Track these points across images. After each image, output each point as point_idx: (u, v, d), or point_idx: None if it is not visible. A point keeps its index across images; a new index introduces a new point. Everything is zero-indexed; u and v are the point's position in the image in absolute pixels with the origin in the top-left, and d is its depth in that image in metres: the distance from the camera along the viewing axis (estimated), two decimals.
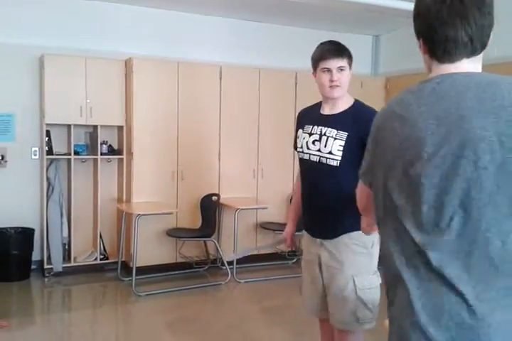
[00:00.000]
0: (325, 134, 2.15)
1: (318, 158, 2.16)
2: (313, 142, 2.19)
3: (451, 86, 1.11)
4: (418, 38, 1.24)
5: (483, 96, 1.05)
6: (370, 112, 2.06)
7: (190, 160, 4.78)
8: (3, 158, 4.55)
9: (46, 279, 4.42)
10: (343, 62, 2.19)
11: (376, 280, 2.14)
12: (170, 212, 4.44)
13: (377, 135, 1.24)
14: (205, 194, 4.78)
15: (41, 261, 4.55)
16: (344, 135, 2.11)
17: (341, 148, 2.10)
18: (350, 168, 1.97)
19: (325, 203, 2.17)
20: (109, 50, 4.77)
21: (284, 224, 4.99)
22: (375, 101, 6.23)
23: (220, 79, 4.85)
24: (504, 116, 1.01)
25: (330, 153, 2.12)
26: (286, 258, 5.11)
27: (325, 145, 2.14)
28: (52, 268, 4.44)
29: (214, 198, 4.70)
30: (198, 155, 4.81)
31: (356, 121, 2.12)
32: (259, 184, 5.07)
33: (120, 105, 4.68)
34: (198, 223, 4.78)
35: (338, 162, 2.11)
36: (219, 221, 4.79)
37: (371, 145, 1.27)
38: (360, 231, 1.94)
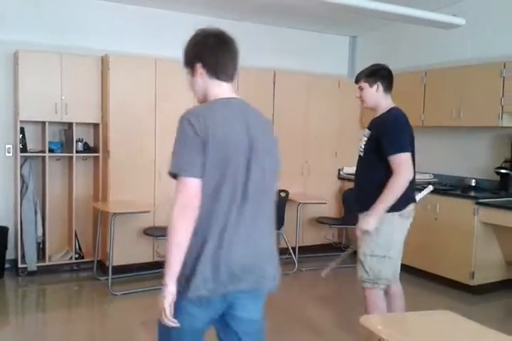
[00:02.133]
0: (364, 134, 2.87)
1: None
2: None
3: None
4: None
5: None
6: (384, 117, 2.79)
7: (168, 158, 4.74)
8: None
9: (20, 278, 4.36)
10: (360, 84, 2.94)
11: (379, 250, 2.73)
12: (147, 210, 4.41)
13: None
14: None
15: (15, 260, 4.48)
16: (369, 133, 2.81)
17: (365, 143, 2.82)
18: (370, 158, 2.78)
19: (355, 187, 2.99)
20: (85, 47, 4.72)
21: None
22: (352, 102, 6.31)
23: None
24: None
25: (360, 147, 2.86)
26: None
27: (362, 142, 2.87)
28: (26, 268, 4.38)
29: None
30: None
31: (376, 124, 2.82)
32: None
33: (96, 102, 4.62)
34: None
35: (363, 154, 2.85)
36: None
37: None
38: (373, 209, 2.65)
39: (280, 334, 3.31)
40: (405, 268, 4.71)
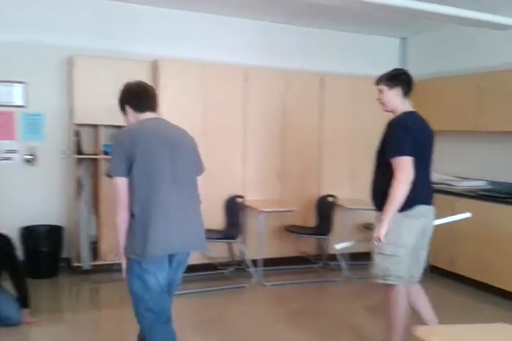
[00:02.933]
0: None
1: None
2: None
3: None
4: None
5: None
6: (393, 121, 2.94)
7: (215, 161, 4.80)
8: (33, 156, 4.65)
9: (74, 277, 4.52)
10: (379, 86, 3.04)
11: (387, 249, 2.82)
12: None
13: None
14: (229, 195, 4.82)
15: (70, 259, 4.64)
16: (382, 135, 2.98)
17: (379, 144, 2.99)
18: (381, 160, 2.94)
19: (370, 185, 3.06)
20: (136, 52, 4.83)
21: (309, 227, 5.04)
22: None
23: (246, 81, 4.87)
24: None
25: (377, 148, 3.02)
26: (312, 262, 5.14)
27: None
28: (80, 266, 4.53)
29: (238, 200, 4.73)
30: (222, 156, 4.83)
31: (386, 126, 2.97)
32: (284, 187, 5.07)
33: None
34: (221, 224, 4.82)
35: (377, 155, 2.99)
36: (244, 222, 4.82)
37: None
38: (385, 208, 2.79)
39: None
40: (460, 279, 4.64)
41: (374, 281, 2.95)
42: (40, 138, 4.68)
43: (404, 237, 2.83)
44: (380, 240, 2.81)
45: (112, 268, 4.35)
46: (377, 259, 2.90)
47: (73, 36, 4.67)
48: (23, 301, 3.47)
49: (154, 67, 4.66)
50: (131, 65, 4.63)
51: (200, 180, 2.58)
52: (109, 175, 2.36)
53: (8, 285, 3.55)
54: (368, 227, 5.18)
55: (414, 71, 5.85)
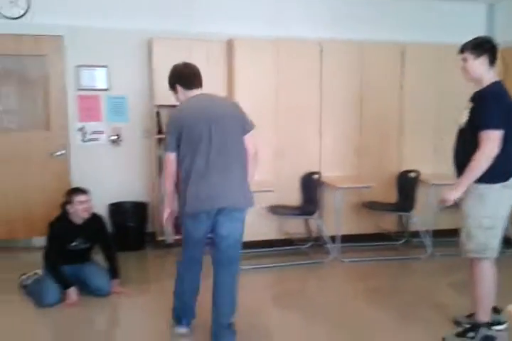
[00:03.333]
0: (466, 107, 2.91)
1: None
2: None
3: None
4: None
5: None
6: (483, 91, 2.84)
7: (291, 138, 4.78)
8: (118, 137, 4.89)
9: (159, 250, 4.73)
10: (464, 55, 2.88)
11: (487, 222, 2.78)
12: (271, 189, 4.51)
13: None
14: (305, 172, 4.79)
15: (154, 233, 4.87)
16: (470, 106, 2.87)
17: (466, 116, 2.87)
18: (468, 131, 2.83)
19: (453, 157, 3.01)
20: (211, 32, 4.86)
21: (389, 204, 4.90)
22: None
23: (321, 56, 4.76)
24: None
25: (462, 119, 2.91)
26: (393, 239, 5.02)
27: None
28: (164, 240, 4.74)
29: (315, 176, 4.69)
30: (298, 133, 4.80)
31: (476, 97, 2.88)
32: (363, 162, 4.95)
33: (222, 86, 4.77)
34: (299, 200, 4.81)
35: (464, 126, 2.89)
36: (321, 199, 4.78)
37: None
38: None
39: (414, 323, 3.23)
40: None
41: (466, 257, 2.91)
42: (124, 119, 4.91)
43: (501, 209, 2.82)
44: (445, 202, 2.82)
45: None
46: (474, 233, 2.83)
47: (152, 19, 4.80)
48: (114, 272, 3.70)
49: (229, 46, 4.68)
50: (206, 45, 4.70)
51: (249, 137, 2.82)
52: (166, 151, 2.80)
53: (100, 259, 3.81)
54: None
55: (502, 38, 5.48)
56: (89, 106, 4.82)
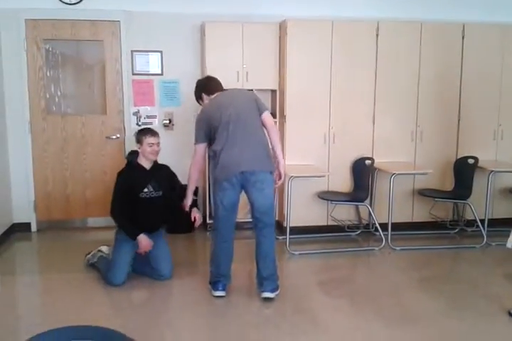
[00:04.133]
0: None
1: None
2: None
3: None
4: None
5: None
6: None
7: (343, 122, 4.68)
8: (170, 121, 4.97)
9: (208, 233, 4.80)
10: None
11: None
12: (322, 174, 4.45)
13: None
14: (357, 157, 4.68)
15: (204, 217, 4.93)
16: None
17: None
18: None
19: None
20: (263, 14, 4.81)
21: (445, 191, 4.73)
22: None
23: (377, 35, 4.61)
24: None
25: None
26: (447, 228, 4.86)
27: None
28: (213, 223, 4.79)
29: (368, 162, 4.58)
30: (350, 117, 4.69)
31: None
32: (418, 148, 4.79)
33: (274, 69, 4.73)
34: (349, 187, 4.73)
35: None
36: (372, 185, 4.67)
37: None
38: None
39: (464, 312, 3.12)
40: None
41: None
42: (177, 103, 4.97)
43: None
44: None
45: (243, 227, 4.52)
46: None
47: (204, 3, 4.80)
48: (192, 204, 3.58)
49: (283, 27, 4.62)
50: (259, 28, 4.67)
51: (265, 116, 3.25)
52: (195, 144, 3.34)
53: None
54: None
55: None
56: (143, 91, 4.91)
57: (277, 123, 4.79)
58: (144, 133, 3.58)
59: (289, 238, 4.28)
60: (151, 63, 4.87)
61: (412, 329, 2.91)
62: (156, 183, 3.58)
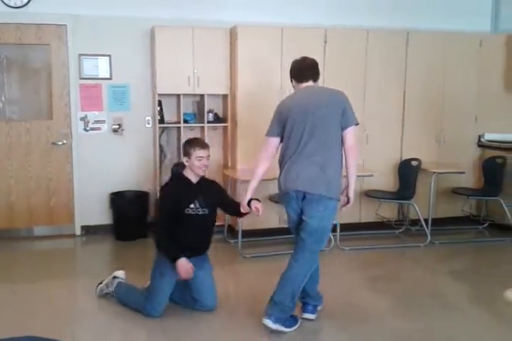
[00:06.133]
0: None
1: None
2: None
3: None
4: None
5: None
6: None
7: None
8: (120, 126, 4.90)
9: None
10: None
11: None
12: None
13: None
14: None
15: (155, 223, 4.87)
16: None
17: None
18: None
19: None
20: (215, 19, 4.84)
21: (389, 192, 4.89)
22: (496, 61, 5.75)
23: (325, 42, 4.73)
24: None
25: None
26: (393, 228, 5.02)
27: None
28: None
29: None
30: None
31: None
32: (365, 151, 4.93)
33: (225, 74, 4.76)
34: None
35: None
36: None
37: None
38: None
39: (411, 311, 3.22)
40: None
41: None
42: (126, 108, 4.90)
43: None
44: None
45: None
46: None
47: (154, 8, 4.78)
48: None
49: (233, 33, 4.66)
50: (210, 33, 4.69)
51: (349, 131, 2.88)
52: (266, 136, 3.04)
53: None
54: (457, 192, 4.94)
55: (508, 24, 5.43)
56: (91, 96, 4.82)
57: (229, 128, 4.82)
58: (192, 144, 3.10)
59: (242, 241, 4.32)
60: (100, 67, 4.80)
61: (361, 329, 2.98)
62: (204, 199, 3.12)
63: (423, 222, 4.71)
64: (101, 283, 3.37)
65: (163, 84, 4.64)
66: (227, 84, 4.78)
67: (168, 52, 4.62)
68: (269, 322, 2.83)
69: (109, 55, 4.78)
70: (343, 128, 2.86)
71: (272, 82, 4.65)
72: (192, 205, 3.07)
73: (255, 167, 3.00)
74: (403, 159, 4.98)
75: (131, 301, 3.20)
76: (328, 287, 3.61)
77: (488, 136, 5.16)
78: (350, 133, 2.87)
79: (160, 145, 4.86)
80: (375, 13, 5.20)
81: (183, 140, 4.74)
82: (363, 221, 5.00)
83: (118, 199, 4.80)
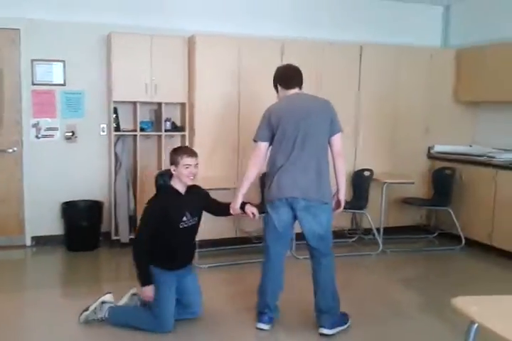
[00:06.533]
0: None
1: None
2: None
3: None
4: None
5: None
6: None
7: (251, 136, 4.77)
8: (73, 134, 4.78)
9: (114, 249, 4.65)
10: None
11: None
12: (229, 187, 4.49)
13: None
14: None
15: (109, 233, 4.77)
16: None
17: None
18: None
19: None
20: (173, 28, 4.82)
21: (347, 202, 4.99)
22: (444, 75, 5.96)
23: (282, 54, 4.79)
24: None
25: None
26: (346, 236, 5.11)
27: None
28: (119, 240, 4.66)
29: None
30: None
31: None
32: None
33: (183, 82, 4.74)
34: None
35: None
36: None
37: None
38: None
39: (363, 318, 3.26)
40: (497, 252, 4.52)
41: None
42: (80, 115, 4.79)
43: None
44: None
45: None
46: None
47: (111, 14, 4.71)
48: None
49: (191, 42, 4.64)
50: (167, 41, 4.66)
51: (336, 138, 2.99)
52: (255, 140, 3.06)
53: None
54: (408, 202, 5.09)
55: (457, 40, 5.69)
56: (43, 102, 4.68)
57: (187, 136, 4.79)
58: (179, 152, 3.02)
59: (198, 251, 4.27)
60: (54, 73, 4.67)
61: (312, 336, 3.00)
62: (193, 209, 3.07)
63: (375, 231, 4.83)
64: (86, 309, 3.09)
65: (119, 91, 4.57)
66: (185, 93, 4.76)
67: (125, 59, 4.56)
68: (328, 331, 2.95)
69: (64, 61, 4.68)
70: (330, 135, 2.97)
71: (230, 91, 4.67)
72: (184, 218, 3.01)
73: (246, 171, 3.06)
74: (356, 169, 5.08)
75: (134, 321, 3.04)
76: (284, 294, 3.64)
77: (438, 148, 5.34)
78: (337, 140, 2.99)
79: (115, 154, 4.78)
80: (332, 27, 5.33)
81: (139, 148, 4.73)
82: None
83: (70, 209, 4.67)
